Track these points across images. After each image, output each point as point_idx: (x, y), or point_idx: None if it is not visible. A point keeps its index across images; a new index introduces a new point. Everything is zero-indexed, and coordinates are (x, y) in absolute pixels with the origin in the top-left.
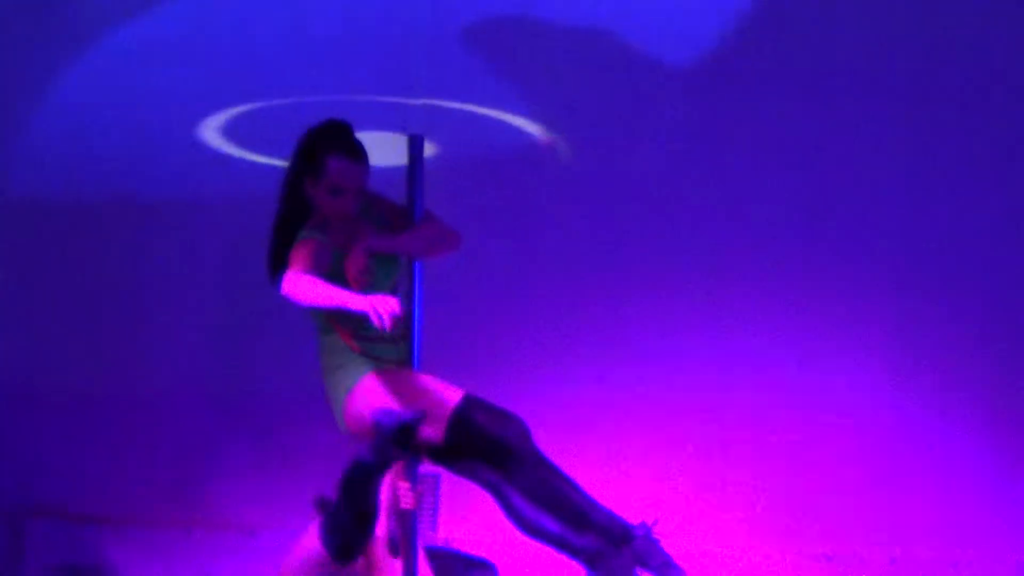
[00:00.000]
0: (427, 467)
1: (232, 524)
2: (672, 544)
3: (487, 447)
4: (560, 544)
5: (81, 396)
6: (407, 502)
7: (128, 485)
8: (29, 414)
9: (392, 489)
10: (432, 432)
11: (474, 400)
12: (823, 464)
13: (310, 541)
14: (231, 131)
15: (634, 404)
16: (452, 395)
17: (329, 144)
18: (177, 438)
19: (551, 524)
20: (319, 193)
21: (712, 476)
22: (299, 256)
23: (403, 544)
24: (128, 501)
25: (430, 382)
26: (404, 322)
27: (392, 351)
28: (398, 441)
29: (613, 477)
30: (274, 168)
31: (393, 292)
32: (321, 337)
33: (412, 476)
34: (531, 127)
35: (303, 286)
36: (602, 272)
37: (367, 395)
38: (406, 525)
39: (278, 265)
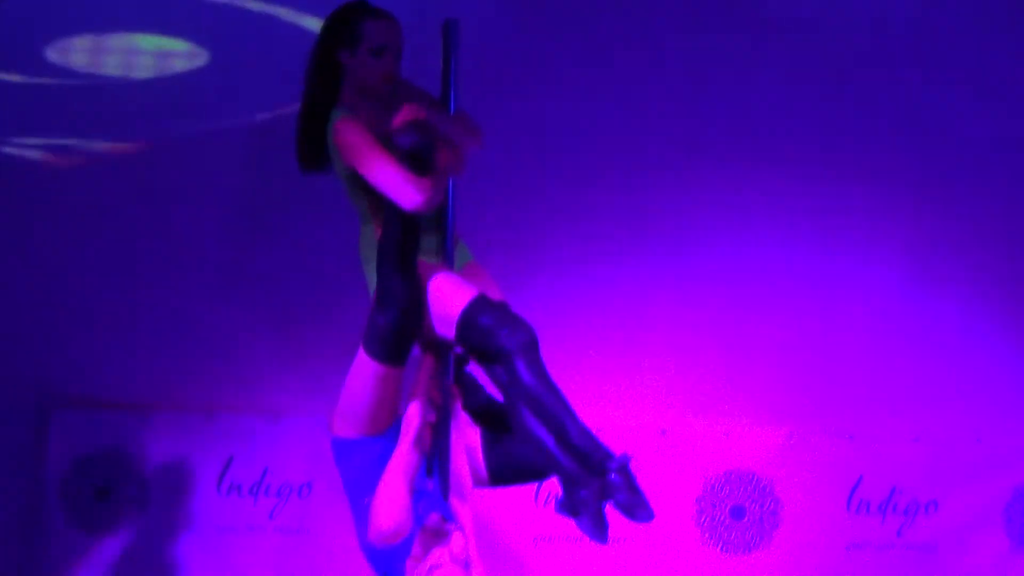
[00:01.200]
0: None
1: (256, 408)
2: (699, 425)
3: (490, 349)
4: (549, 459)
5: (103, 283)
6: (437, 400)
7: (151, 371)
8: (50, 302)
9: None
10: (446, 331)
11: (485, 301)
12: (846, 346)
13: (359, 362)
14: None
15: (656, 292)
16: (465, 295)
17: (361, 11)
18: (201, 323)
19: (547, 437)
20: (359, 61)
21: (736, 360)
22: (359, 144)
23: (436, 448)
24: (151, 387)
25: (450, 281)
26: (438, 213)
27: (424, 242)
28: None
29: (635, 365)
30: None
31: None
32: (361, 227)
33: (443, 375)
34: None
35: (430, 190)
36: (621, 162)
37: None
38: (439, 429)
39: (310, 152)
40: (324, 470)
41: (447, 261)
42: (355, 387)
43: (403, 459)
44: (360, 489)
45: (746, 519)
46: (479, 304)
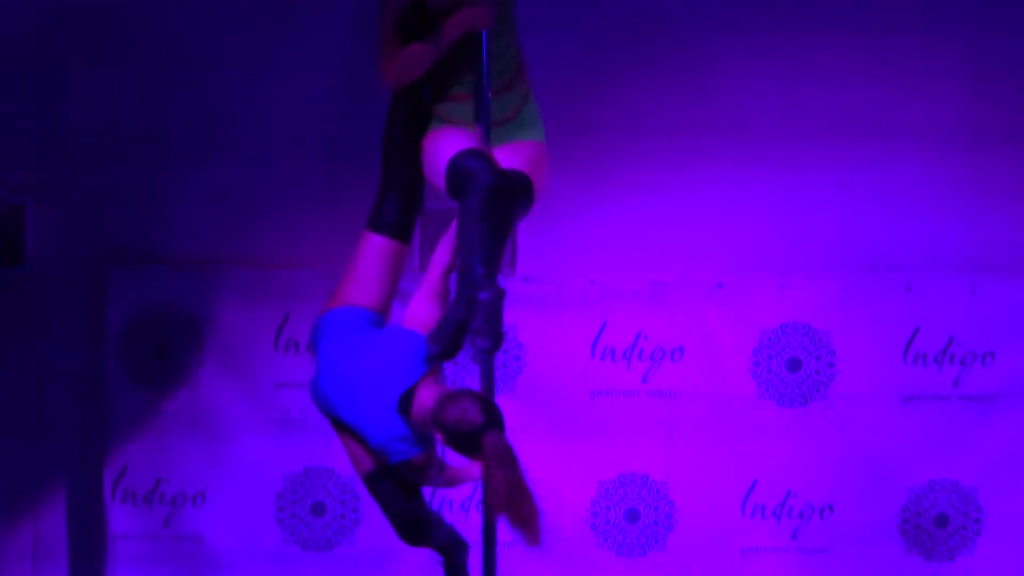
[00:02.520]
0: None
1: (312, 264)
2: (755, 278)
3: (461, 190)
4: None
5: (161, 139)
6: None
7: (208, 227)
8: (107, 159)
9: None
10: (440, 183)
11: (471, 152)
12: (903, 197)
13: (363, 241)
14: None
15: (711, 146)
16: (455, 148)
17: None
18: (257, 179)
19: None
20: None
21: (792, 211)
22: (382, 9)
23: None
24: (209, 243)
25: (446, 137)
26: (474, 82)
27: (460, 111)
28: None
29: (691, 219)
30: None
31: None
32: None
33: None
34: None
35: (398, 65)
36: (681, 8)
37: (422, 150)
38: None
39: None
40: None
41: (483, 125)
42: (358, 262)
43: (438, 283)
44: (329, 343)
45: (802, 371)
46: (463, 154)
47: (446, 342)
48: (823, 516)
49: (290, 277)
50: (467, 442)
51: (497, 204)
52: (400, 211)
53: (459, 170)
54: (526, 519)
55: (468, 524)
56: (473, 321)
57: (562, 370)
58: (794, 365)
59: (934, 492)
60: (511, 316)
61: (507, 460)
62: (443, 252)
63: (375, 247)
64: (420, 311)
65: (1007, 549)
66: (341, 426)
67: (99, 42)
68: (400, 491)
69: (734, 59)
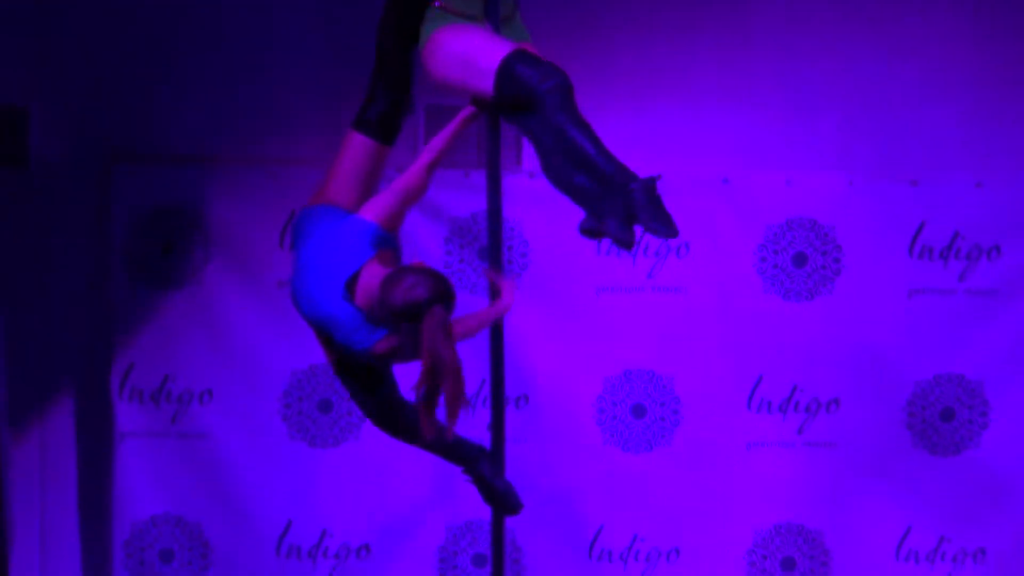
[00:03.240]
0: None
1: (316, 162)
2: (760, 173)
3: (524, 95)
4: (578, 194)
5: (165, 38)
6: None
7: (211, 125)
8: (112, 59)
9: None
10: (483, 84)
11: (524, 53)
12: (908, 88)
13: (347, 138)
14: None
15: (716, 37)
16: (504, 47)
17: None
18: (264, 73)
19: (577, 177)
20: None
21: (797, 106)
22: None
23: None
24: (213, 141)
25: (488, 35)
26: None
27: (469, 3)
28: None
29: (696, 114)
30: None
31: None
32: None
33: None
34: None
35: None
36: None
37: (436, 46)
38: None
39: None
40: None
41: (492, 21)
42: (339, 160)
43: (412, 175)
44: (301, 240)
45: (808, 266)
46: (518, 55)
47: (631, 235)
48: (829, 411)
49: (295, 175)
50: (413, 320)
51: (573, 99)
52: (385, 111)
53: (517, 77)
54: (450, 398)
55: (475, 418)
56: (638, 214)
57: (567, 267)
58: (800, 260)
59: (940, 386)
60: (515, 212)
61: (444, 340)
62: (432, 147)
63: (356, 145)
64: (382, 200)
65: (1013, 443)
66: (311, 322)
67: None
68: (364, 380)
69: None
